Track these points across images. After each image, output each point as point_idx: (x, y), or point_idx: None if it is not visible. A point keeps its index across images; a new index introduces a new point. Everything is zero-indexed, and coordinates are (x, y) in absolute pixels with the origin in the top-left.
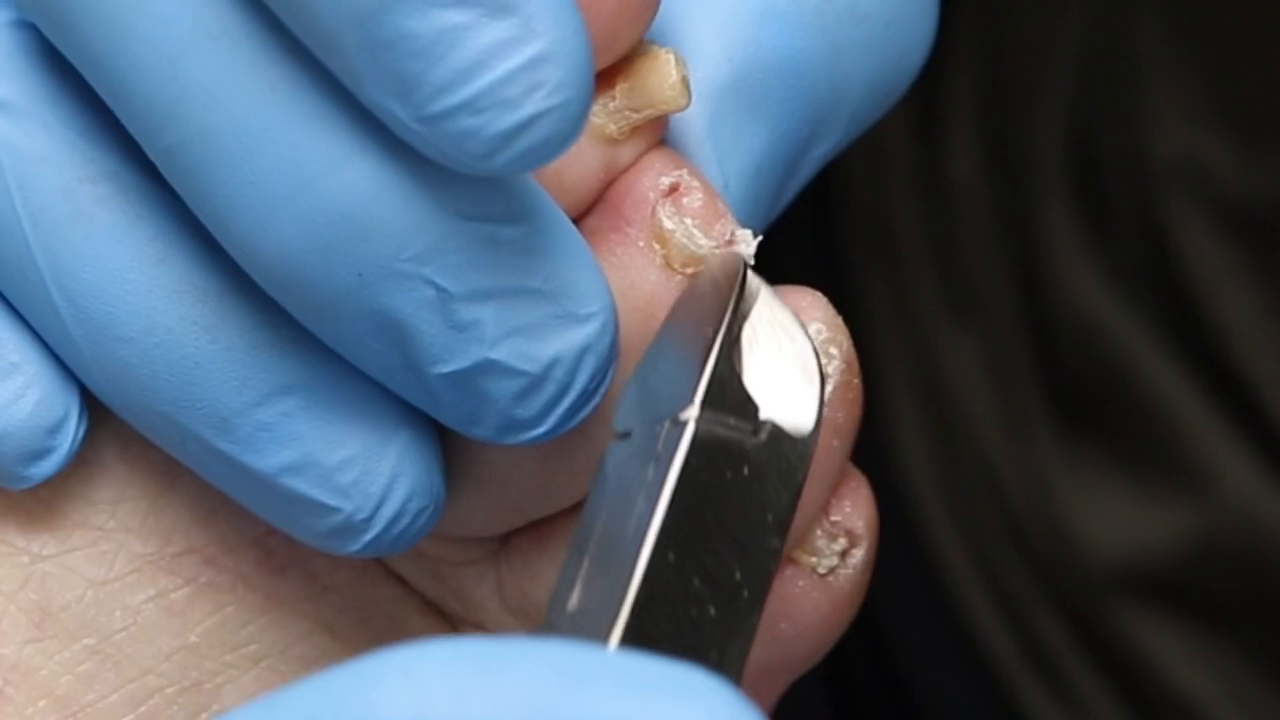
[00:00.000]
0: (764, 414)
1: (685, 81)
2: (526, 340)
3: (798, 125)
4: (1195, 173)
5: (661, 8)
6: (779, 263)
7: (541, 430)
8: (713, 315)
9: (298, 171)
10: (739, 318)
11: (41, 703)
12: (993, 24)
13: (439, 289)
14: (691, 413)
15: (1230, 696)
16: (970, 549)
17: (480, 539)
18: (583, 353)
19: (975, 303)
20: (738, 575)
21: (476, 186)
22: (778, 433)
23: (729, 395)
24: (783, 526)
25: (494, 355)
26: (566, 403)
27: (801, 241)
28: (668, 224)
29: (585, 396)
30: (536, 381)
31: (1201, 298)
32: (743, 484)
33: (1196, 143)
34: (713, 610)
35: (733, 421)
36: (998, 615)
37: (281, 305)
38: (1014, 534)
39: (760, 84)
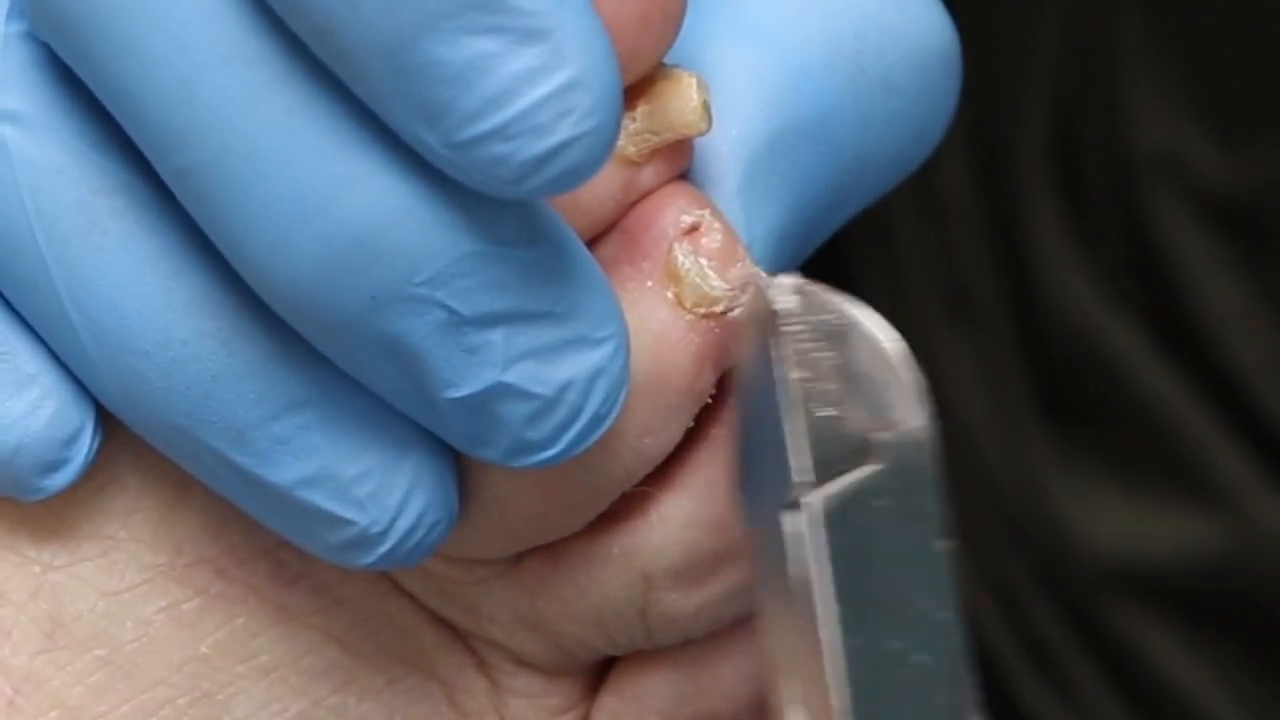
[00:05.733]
0: (869, 436)
1: (706, 106)
2: (539, 363)
3: (822, 192)
4: (1176, 166)
5: (699, 62)
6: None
7: (553, 453)
8: (765, 371)
9: (312, 195)
10: (794, 355)
11: (53, 713)
12: (973, 27)
13: (451, 312)
14: (799, 492)
15: (1226, 691)
16: (967, 545)
17: (484, 561)
18: (595, 376)
19: (968, 306)
20: (922, 604)
21: (489, 210)
22: (888, 445)
23: (825, 445)
24: (939, 525)
25: (506, 378)
26: (578, 426)
27: None
28: (683, 262)
29: (597, 420)
30: (548, 405)
31: (1185, 291)
32: (885, 513)
33: (1176, 136)
34: (927, 658)
35: (843, 467)
36: (995, 609)
37: (293, 327)
38: (1010, 531)
39: (792, 148)
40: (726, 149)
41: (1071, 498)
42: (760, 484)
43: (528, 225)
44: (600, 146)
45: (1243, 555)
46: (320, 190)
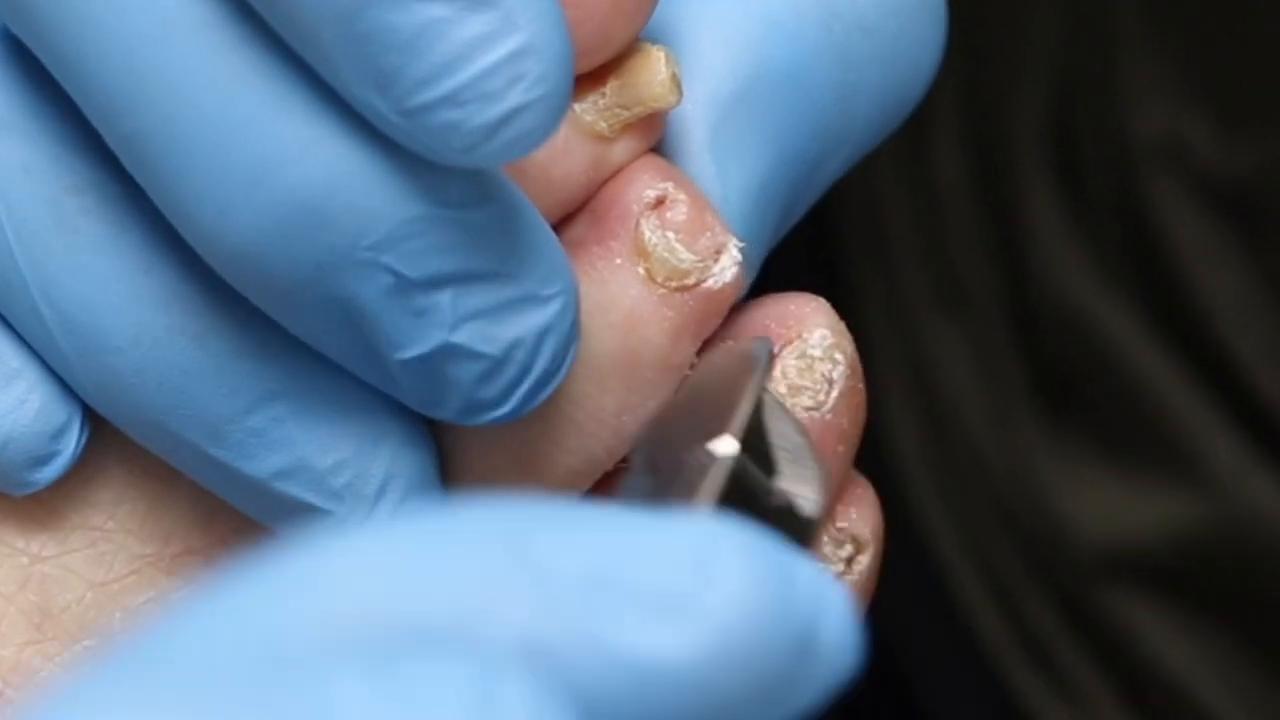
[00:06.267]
0: (780, 483)
1: (675, 79)
2: (486, 323)
3: (805, 140)
4: (1176, 152)
5: (665, 19)
6: (772, 258)
7: (504, 411)
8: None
9: (258, 162)
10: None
11: None
12: (972, 13)
13: (398, 276)
14: (729, 446)
15: (1220, 679)
16: (962, 536)
17: None
18: (543, 334)
19: (962, 294)
20: None
21: (435, 173)
22: (789, 505)
23: (758, 446)
24: None
25: (454, 339)
26: (528, 384)
27: (794, 237)
28: (650, 237)
29: (547, 377)
30: (497, 364)
31: (1184, 277)
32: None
33: (1176, 121)
34: None
35: (758, 475)
36: (990, 601)
37: (242, 294)
38: (1004, 520)
39: (765, 98)
40: (692, 106)
41: (1065, 484)
42: (670, 439)
43: (474, 187)
44: (551, 113)
45: (1237, 539)
46: (266, 157)
